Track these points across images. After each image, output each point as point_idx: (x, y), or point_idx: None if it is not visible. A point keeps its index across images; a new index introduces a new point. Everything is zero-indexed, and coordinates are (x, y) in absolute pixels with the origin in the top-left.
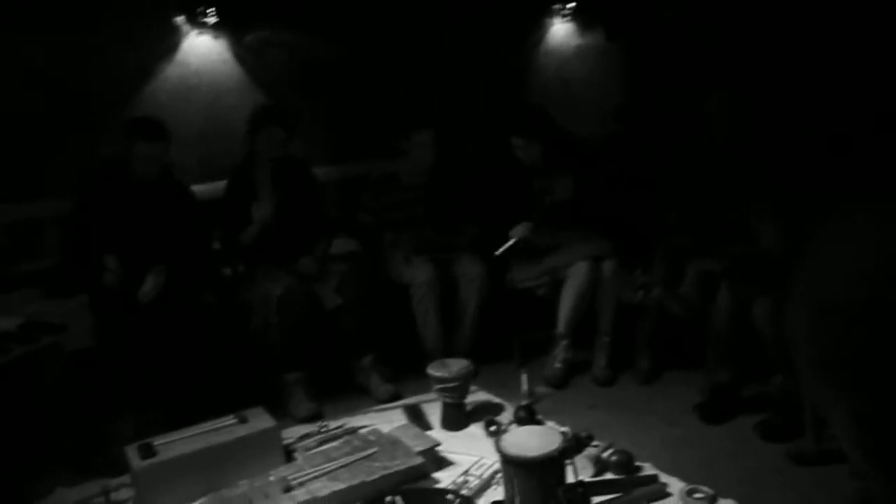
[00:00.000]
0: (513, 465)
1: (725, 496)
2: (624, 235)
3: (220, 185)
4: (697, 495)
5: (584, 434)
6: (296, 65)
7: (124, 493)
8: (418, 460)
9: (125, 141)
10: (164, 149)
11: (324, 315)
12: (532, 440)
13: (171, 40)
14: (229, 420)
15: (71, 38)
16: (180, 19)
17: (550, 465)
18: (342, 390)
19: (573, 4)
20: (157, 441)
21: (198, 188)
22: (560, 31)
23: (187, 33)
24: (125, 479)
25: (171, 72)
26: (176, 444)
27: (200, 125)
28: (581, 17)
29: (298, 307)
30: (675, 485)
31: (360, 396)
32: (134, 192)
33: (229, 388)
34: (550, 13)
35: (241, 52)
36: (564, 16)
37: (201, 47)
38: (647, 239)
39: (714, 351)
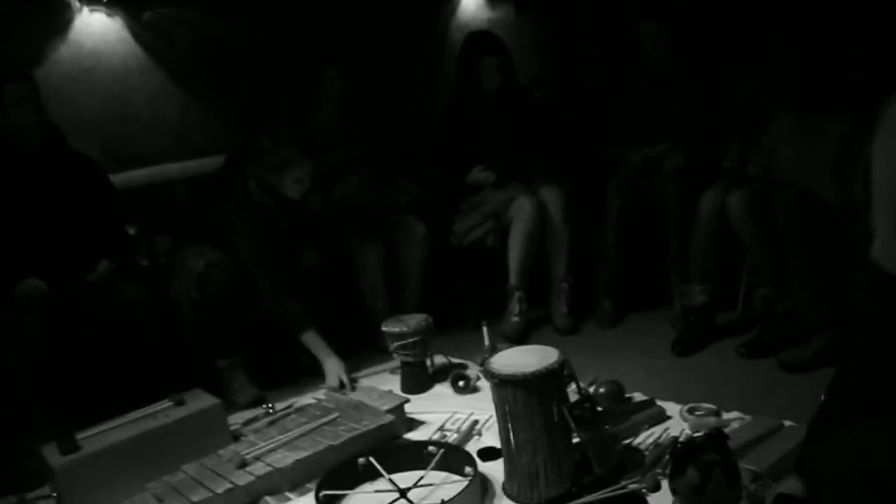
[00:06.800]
0: (509, 387)
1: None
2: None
3: (129, 175)
4: (699, 412)
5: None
6: (202, 45)
7: None
8: (388, 418)
9: None
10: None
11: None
12: (527, 357)
13: (60, 18)
14: (164, 404)
15: None
16: None
17: (552, 381)
18: (286, 372)
19: None
20: (82, 434)
21: None
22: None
23: (79, 10)
24: (45, 489)
25: (64, 53)
26: (104, 434)
27: (100, 109)
28: None
29: (222, 285)
30: (671, 407)
31: (306, 376)
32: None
33: (160, 381)
34: None
35: (139, 30)
36: None
37: (97, 26)
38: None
39: (694, 265)
